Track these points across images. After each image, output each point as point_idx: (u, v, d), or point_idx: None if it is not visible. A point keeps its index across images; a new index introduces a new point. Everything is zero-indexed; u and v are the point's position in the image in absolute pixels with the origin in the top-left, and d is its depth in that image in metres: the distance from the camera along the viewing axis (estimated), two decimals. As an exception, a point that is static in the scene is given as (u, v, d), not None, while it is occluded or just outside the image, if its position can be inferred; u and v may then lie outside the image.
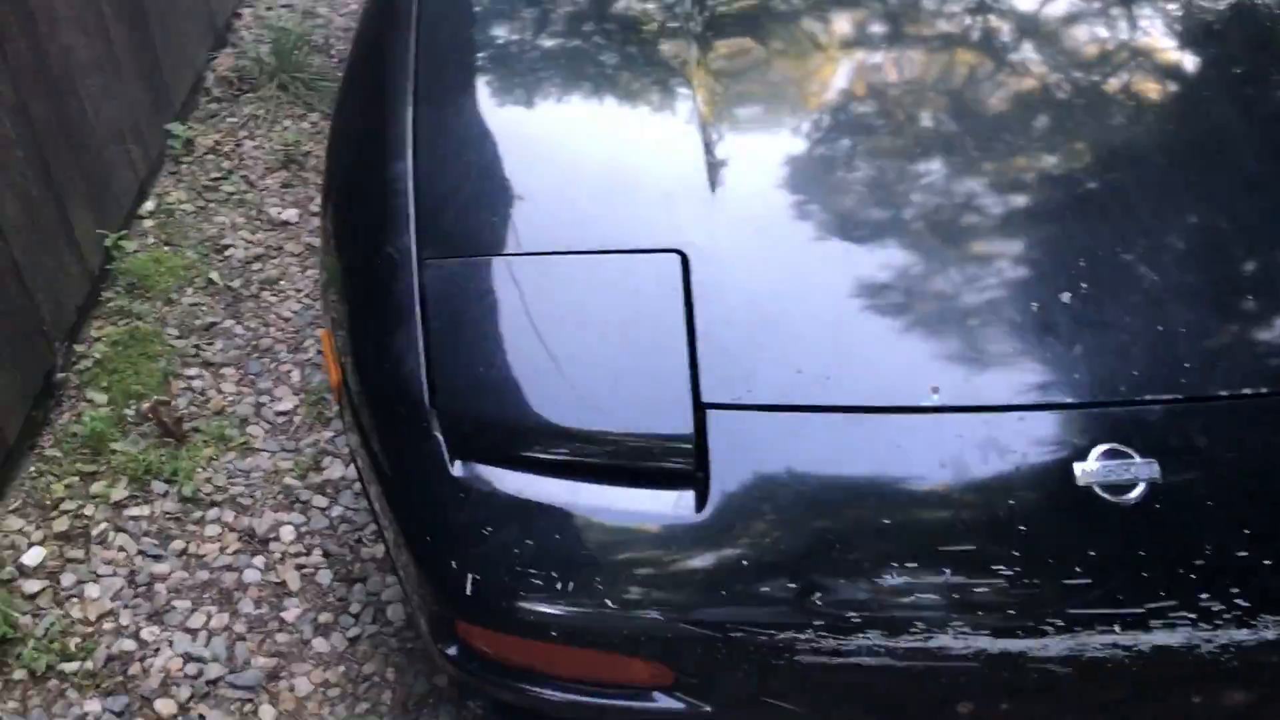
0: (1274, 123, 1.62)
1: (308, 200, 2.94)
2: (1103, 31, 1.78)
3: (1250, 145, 1.57)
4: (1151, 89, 1.69)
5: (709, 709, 1.32)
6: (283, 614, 1.93)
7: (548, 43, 1.76)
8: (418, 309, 1.39)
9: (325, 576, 1.99)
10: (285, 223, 2.85)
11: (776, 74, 1.72)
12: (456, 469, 1.31)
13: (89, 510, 2.07)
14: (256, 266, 2.70)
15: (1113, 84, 1.68)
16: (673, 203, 1.48)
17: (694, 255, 1.40)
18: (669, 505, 1.27)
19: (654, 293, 1.37)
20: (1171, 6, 1.84)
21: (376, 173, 1.53)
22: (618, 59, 1.73)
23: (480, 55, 1.73)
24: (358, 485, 2.15)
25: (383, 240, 1.45)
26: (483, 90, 1.67)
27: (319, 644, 1.89)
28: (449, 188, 1.50)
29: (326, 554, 2.03)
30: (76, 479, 2.12)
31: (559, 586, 1.26)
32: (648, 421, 1.29)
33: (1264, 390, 1.29)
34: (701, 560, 1.26)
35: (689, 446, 1.27)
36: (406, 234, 1.44)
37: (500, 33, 1.79)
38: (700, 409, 1.29)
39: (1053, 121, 1.61)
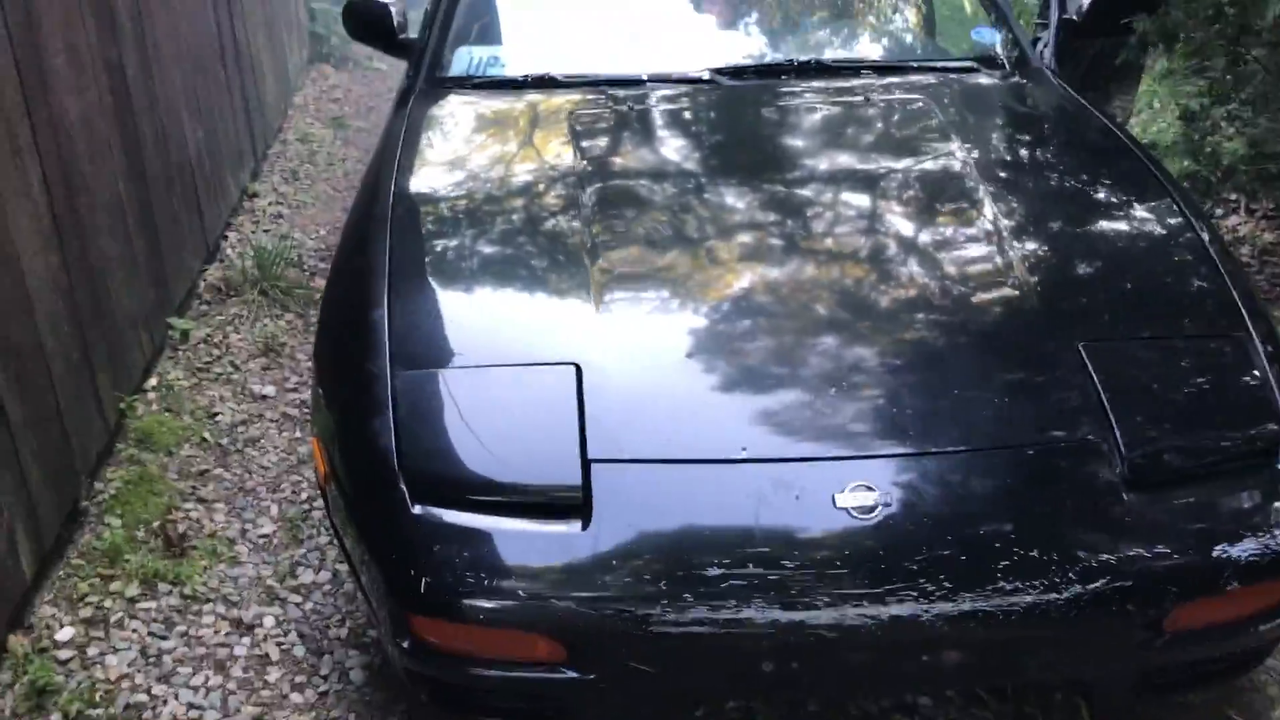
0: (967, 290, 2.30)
1: (283, 380, 3.55)
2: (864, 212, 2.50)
3: (951, 304, 2.24)
4: (894, 269, 2.36)
5: (593, 677, 1.86)
6: (266, 677, 2.42)
7: (480, 232, 2.44)
8: (390, 405, 1.99)
9: (300, 650, 2.49)
10: (265, 396, 3.46)
11: (645, 240, 2.38)
12: (415, 509, 1.88)
13: (108, 603, 2.57)
14: (241, 429, 3.28)
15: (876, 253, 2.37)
16: (571, 328, 2.12)
17: (585, 364, 2.03)
18: (564, 527, 1.84)
19: (556, 390, 1.99)
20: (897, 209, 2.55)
21: (363, 318, 2.17)
22: (531, 239, 2.41)
23: (434, 243, 2.40)
24: (327, 587, 2.67)
25: (367, 362, 2.07)
26: (436, 264, 2.33)
27: (295, 697, 2.37)
28: (412, 326, 2.13)
29: (301, 635, 2.53)
30: (98, 580, 2.62)
31: (487, 585, 1.81)
32: (550, 474, 1.88)
33: (958, 449, 1.93)
34: (584, 563, 1.82)
35: (578, 487, 1.86)
36: (384, 357, 2.06)
37: (448, 228, 2.46)
38: (586, 463, 1.89)
39: (844, 282, 2.29)
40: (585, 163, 2.59)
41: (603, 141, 2.71)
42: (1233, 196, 4.34)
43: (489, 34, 3.28)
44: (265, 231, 4.61)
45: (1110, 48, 3.63)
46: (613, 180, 2.55)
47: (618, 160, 2.64)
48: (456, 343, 2.14)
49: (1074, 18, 3.40)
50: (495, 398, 2.01)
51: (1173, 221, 2.43)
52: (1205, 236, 2.36)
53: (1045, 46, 3.37)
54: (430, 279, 2.28)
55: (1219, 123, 3.72)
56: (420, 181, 2.61)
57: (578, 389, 1.98)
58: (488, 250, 2.38)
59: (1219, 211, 4.39)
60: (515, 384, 2.03)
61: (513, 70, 3.09)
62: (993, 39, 3.21)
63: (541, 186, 2.58)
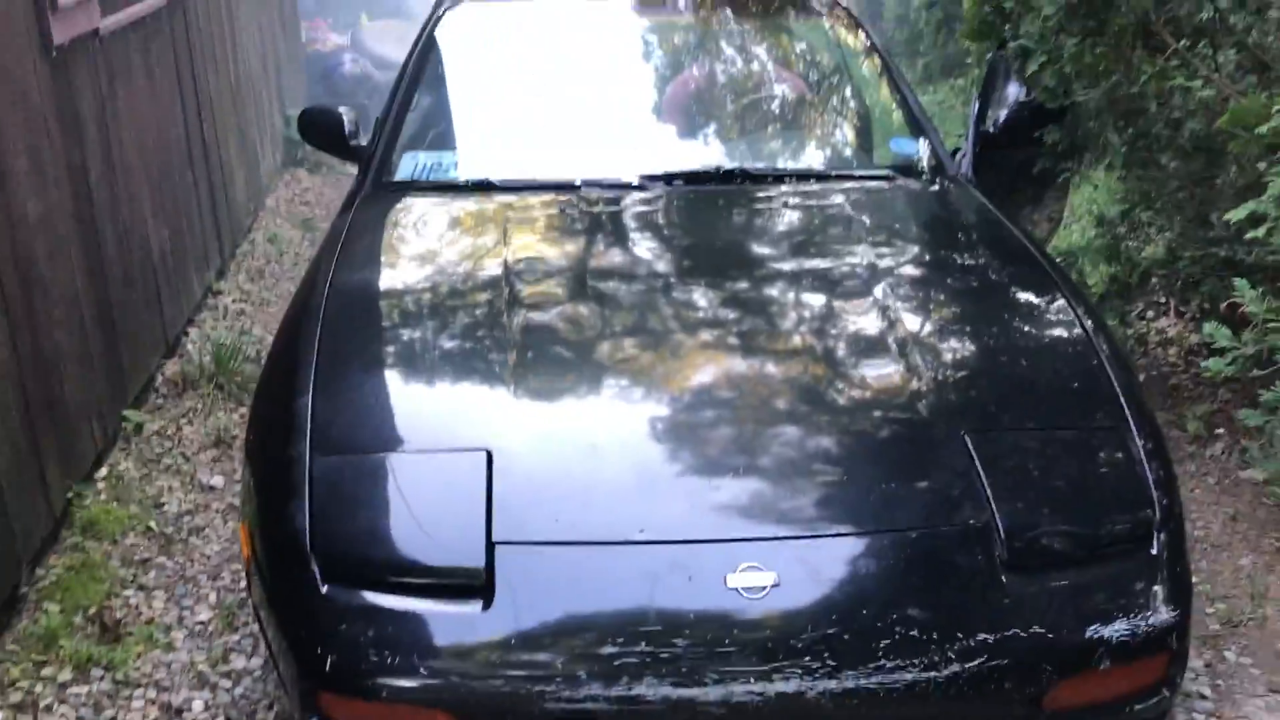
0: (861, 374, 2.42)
1: (233, 471, 3.64)
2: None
3: (845, 395, 2.36)
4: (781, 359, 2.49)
5: (490, 753, 1.93)
6: (191, 758, 2.47)
7: (407, 326, 2.56)
8: (307, 489, 2.09)
9: (226, 733, 2.55)
10: (213, 487, 3.54)
11: (562, 334, 2.49)
12: (325, 589, 1.97)
13: (39, 688, 2.62)
14: (187, 518, 3.36)
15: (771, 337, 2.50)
16: (486, 416, 2.23)
17: (496, 450, 2.13)
18: (467, 607, 1.93)
19: (467, 475, 2.08)
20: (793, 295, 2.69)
21: (288, 405, 2.27)
22: (454, 333, 2.53)
23: (362, 335, 2.53)
24: (258, 673, 2.73)
25: (288, 447, 2.17)
26: (362, 356, 2.44)
27: (218, 778, 2.42)
28: (334, 413, 2.24)
29: (228, 718, 2.59)
30: (30, 665, 2.68)
31: (392, 664, 1.89)
32: (456, 556, 1.97)
33: (846, 532, 2.03)
34: (485, 643, 1.90)
35: (481, 569, 1.95)
36: (304, 443, 2.16)
37: (377, 322, 2.59)
38: (491, 545, 1.98)
39: (739, 370, 2.41)
40: (511, 261, 2.73)
41: (531, 242, 2.86)
42: (1162, 299, 4.50)
43: (439, 140, 3.44)
44: (226, 328, 4.73)
45: (1031, 159, 3.81)
46: (535, 278, 2.69)
47: (542, 259, 2.78)
48: (376, 430, 2.25)
49: (991, 130, 3.59)
50: (409, 482, 2.11)
51: (1065, 321, 2.56)
52: (1095, 337, 2.49)
53: (964, 157, 3.55)
54: (355, 369, 2.39)
55: (1138, 226, 3.89)
56: (354, 278, 2.75)
57: (487, 474, 2.09)
58: (413, 343, 2.50)
59: (1149, 314, 4.55)
60: (428, 469, 2.13)
61: (455, 175, 3.25)
62: (912, 149, 3.39)
63: (468, 284, 2.72)
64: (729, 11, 3.91)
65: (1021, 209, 4.17)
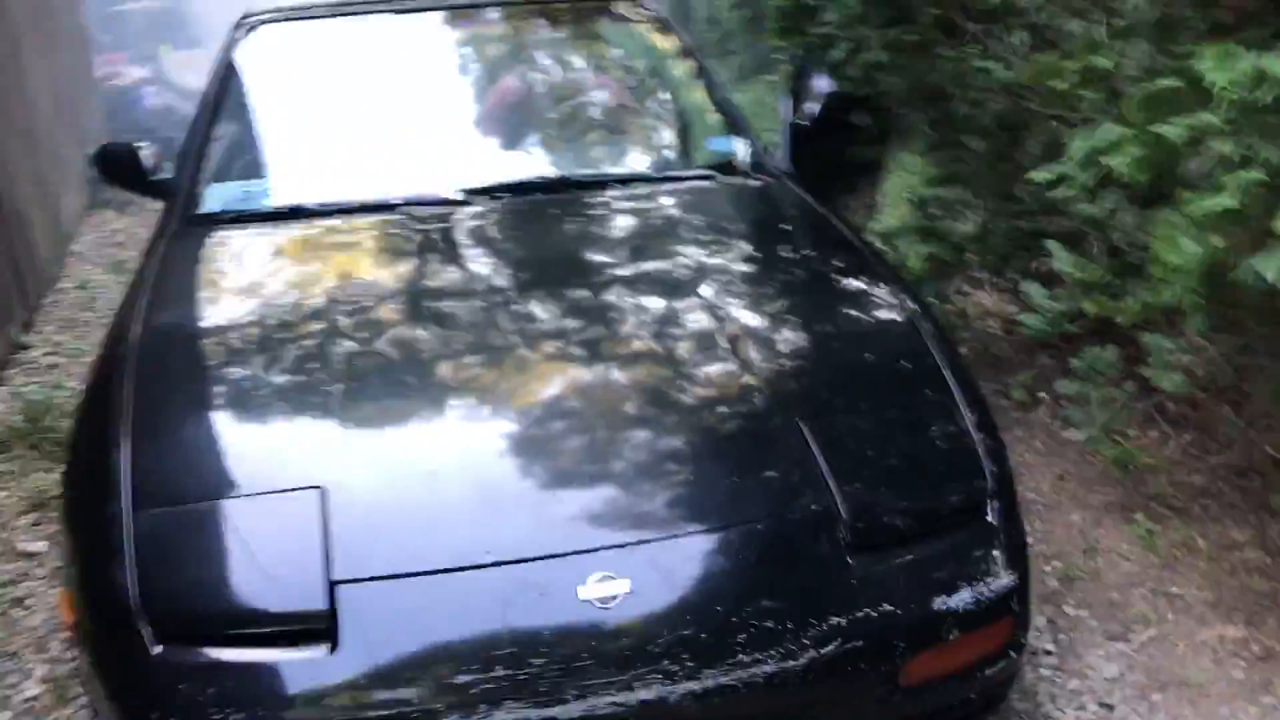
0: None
1: (55, 534, 3.43)
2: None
3: (682, 394, 2.36)
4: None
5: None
6: None
7: (227, 365, 2.44)
8: (130, 546, 1.97)
9: (65, 814, 2.39)
10: (34, 553, 3.33)
11: (391, 361, 2.40)
12: (157, 650, 1.86)
13: None
14: (7, 589, 3.15)
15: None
16: (317, 453, 2.15)
17: (330, 486, 2.05)
18: (312, 653, 1.85)
19: (300, 515, 2.00)
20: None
21: (102, 459, 2.14)
22: (278, 368, 2.43)
23: (179, 379, 2.40)
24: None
25: (106, 504, 2.04)
26: (180, 400, 2.32)
27: None
28: (154, 463, 2.12)
29: (66, 797, 2.43)
30: None
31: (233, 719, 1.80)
32: (295, 600, 1.89)
33: (694, 530, 2.03)
34: (335, 686, 1.83)
35: (324, 611, 1.87)
36: (123, 497, 2.04)
37: (194, 363, 2.46)
38: (331, 586, 1.90)
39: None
40: (333, 288, 2.65)
41: (353, 266, 2.78)
42: (979, 274, 4.67)
43: (247, 169, 3.32)
44: (38, 383, 4.47)
45: (845, 147, 3.90)
46: (360, 303, 2.61)
47: (366, 283, 2.70)
48: (200, 477, 2.14)
49: (804, 123, 3.66)
50: (240, 528, 2.01)
51: (888, 304, 2.63)
52: (917, 317, 2.56)
53: (780, 151, 3.61)
54: (174, 415, 2.28)
55: (950, 205, 4.03)
56: (166, 317, 2.62)
57: (322, 512, 2.00)
58: (235, 381, 2.39)
59: (968, 289, 4.72)
60: (260, 513, 2.04)
61: (267, 203, 3.13)
62: (729, 148, 3.42)
63: (290, 314, 2.62)
64: (541, 20, 3.89)
65: (839, 197, 4.26)
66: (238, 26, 3.69)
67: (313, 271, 2.77)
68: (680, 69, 3.84)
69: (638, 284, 2.72)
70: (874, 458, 2.18)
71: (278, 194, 3.18)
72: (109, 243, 6.71)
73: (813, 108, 3.81)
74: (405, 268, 2.81)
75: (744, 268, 2.87)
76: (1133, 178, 2.13)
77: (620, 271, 2.79)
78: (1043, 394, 3.88)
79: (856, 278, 2.77)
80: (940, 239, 3.87)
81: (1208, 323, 2.28)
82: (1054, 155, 3.56)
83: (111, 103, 8.85)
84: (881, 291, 2.68)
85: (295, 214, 3.07)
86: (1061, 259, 2.83)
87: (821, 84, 3.90)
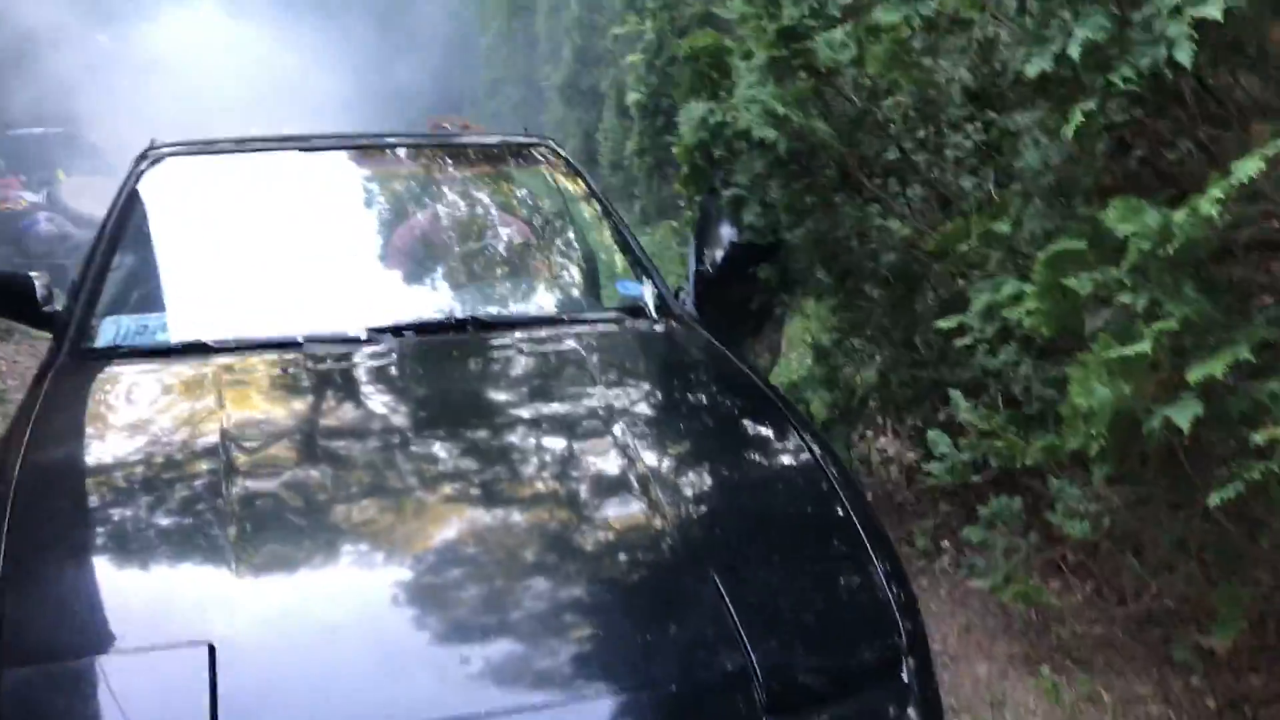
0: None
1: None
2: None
3: (590, 546, 2.31)
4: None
5: None
6: None
7: (112, 510, 2.31)
8: None
9: None
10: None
11: (287, 507, 2.31)
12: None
13: None
14: None
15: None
16: (207, 605, 2.02)
17: (220, 642, 1.93)
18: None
19: (187, 673, 1.87)
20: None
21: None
22: (167, 514, 2.30)
23: (58, 525, 2.26)
24: None
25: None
26: (59, 548, 2.17)
27: None
28: (27, 616, 1.98)
29: None
30: None
31: None
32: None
33: (605, 694, 1.94)
34: None
35: None
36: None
37: (76, 508, 2.32)
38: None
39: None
40: (229, 428, 2.55)
41: (250, 405, 2.69)
42: (880, 420, 4.74)
43: (144, 302, 3.23)
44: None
45: (749, 294, 3.97)
46: (255, 447, 2.51)
47: (262, 426, 2.61)
48: (78, 630, 1.99)
49: (709, 270, 3.72)
50: (120, 688, 1.87)
51: (795, 450, 2.63)
52: (825, 464, 2.56)
53: (686, 296, 3.65)
54: (52, 561, 2.13)
55: (850, 354, 4.11)
56: (49, 457, 2.48)
57: (210, 670, 1.88)
58: (120, 526, 2.26)
59: (868, 433, 4.78)
60: (142, 671, 1.90)
61: (164, 338, 3.03)
62: (637, 291, 3.45)
63: (181, 457, 2.50)
64: (449, 160, 3.92)
65: (743, 342, 4.32)
66: (142, 157, 3.63)
67: (207, 410, 2.66)
68: (587, 212, 3.88)
69: (543, 426, 2.69)
70: (789, 613, 2.14)
71: (175, 329, 3.08)
72: (-12, 372, 6.46)
73: (717, 254, 3.88)
74: (305, 407, 2.74)
75: (652, 411, 2.86)
76: (1036, 329, 2.19)
77: (525, 413, 2.76)
78: (945, 542, 3.91)
79: (764, 422, 2.78)
80: (842, 387, 3.93)
81: (1111, 470, 2.33)
82: (952, 307, 3.68)
83: (2, 228, 8.63)
84: (790, 436, 2.68)
85: (193, 350, 2.97)
86: (963, 409, 2.88)
87: (725, 231, 3.98)
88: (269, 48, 14.07)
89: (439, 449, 2.58)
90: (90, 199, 8.99)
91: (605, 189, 11.39)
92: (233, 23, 14.11)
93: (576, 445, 2.61)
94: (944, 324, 2.70)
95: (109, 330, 3.07)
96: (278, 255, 3.35)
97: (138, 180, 3.53)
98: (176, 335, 3.05)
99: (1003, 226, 2.48)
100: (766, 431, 2.75)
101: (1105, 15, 2.27)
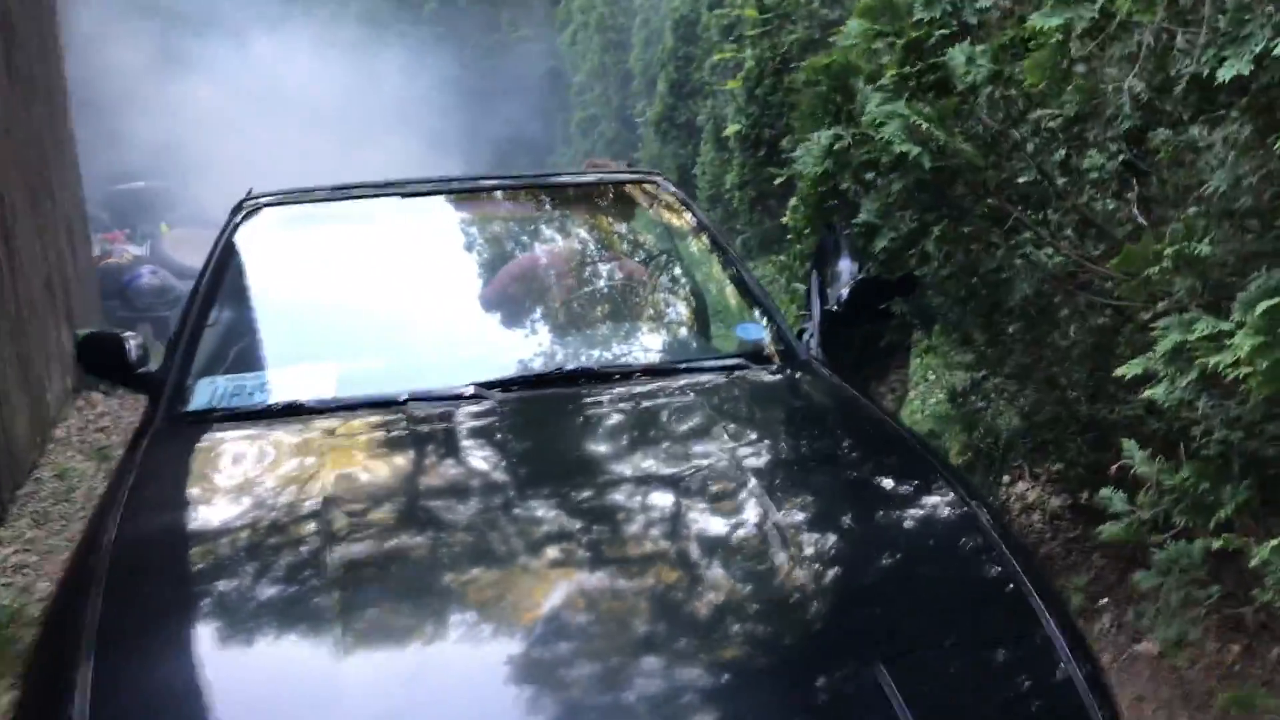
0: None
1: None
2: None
3: (732, 629, 2.04)
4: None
5: None
6: None
7: (207, 586, 2.11)
8: None
9: None
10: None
11: (400, 591, 2.08)
12: None
13: None
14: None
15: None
16: (312, 695, 1.81)
17: None
18: None
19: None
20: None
21: (55, 689, 1.80)
22: (266, 592, 2.10)
23: (153, 599, 2.07)
24: None
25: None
26: (152, 624, 1.98)
27: None
28: (115, 696, 1.78)
29: None
30: None
31: None
32: None
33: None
34: None
35: None
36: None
37: (171, 582, 2.13)
38: None
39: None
40: (328, 497, 2.34)
41: (355, 474, 2.49)
42: (1016, 463, 4.39)
43: (241, 362, 3.07)
44: (4, 585, 4.12)
45: (876, 332, 3.68)
46: (357, 515, 2.31)
47: (364, 493, 2.40)
48: (174, 716, 1.80)
49: (835, 308, 3.45)
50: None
51: (953, 511, 2.33)
52: (988, 523, 2.26)
53: (810, 337, 3.38)
54: (146, 640, 1.95)
55: (990, 395, 3.78)
56: (143, 528, 2.31)
57: None
58: (217, 600, 2.07)
59: (1005, 479, 4.43)
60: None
61: (260, 400, 2.86)
62: (758, 334, 3.19)
63: (278, 528, 2.31)
64: (553, 200, 3.72)
65: (867, 383, 4.02)
66: (237, 209, 3.50)
67: (307, 478, 2.47)
68: (700, 249, 3.64)
69: (662, 486, 2.43)
70: (968, 706, 1.84)
71: (272, 390, 2.91)
72: (93, 427, 6.45)
73: (840, 291, 3.61)
74: (407, 470, 2.53)
75: (786, 466, 2.58)
76: (1253, 391, 1.87)
77: (642, 472, 2.50)
78: (1104, 599, 3.55)
79: (911, 478, 2.49)
80: (984, 430, 3.61)
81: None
82: (1107, 345, 3.36)
83: (107, 281, 8.72)
84: (943, 494, 2.38)
85: (290, 411, 2.80)
86: (1139, 459, 2.55)
87: (844, 266, 3.70)
88: (360, 93, 14.22)
89: (550, 512, 2.33)
90: (192, 251, 9.03)
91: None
92: (326, 68, 14.30)
93: (702, 508, 2.35)
94: (1126, 370, 2.39)
95: (205, 392, 2.91)
96: (378, 308, 3.17)
97: (233, 233, 3.39)
98: (274, 396, 2.88)
99: (1203, 248, 2.15)
100: (913, 487, 2.47)
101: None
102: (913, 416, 5.30)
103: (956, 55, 3.01)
